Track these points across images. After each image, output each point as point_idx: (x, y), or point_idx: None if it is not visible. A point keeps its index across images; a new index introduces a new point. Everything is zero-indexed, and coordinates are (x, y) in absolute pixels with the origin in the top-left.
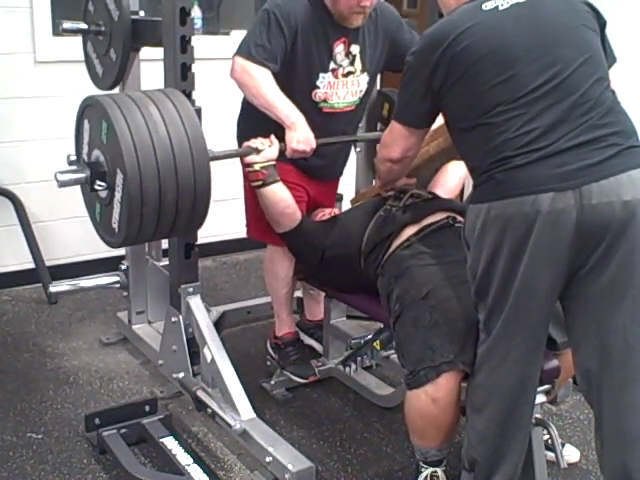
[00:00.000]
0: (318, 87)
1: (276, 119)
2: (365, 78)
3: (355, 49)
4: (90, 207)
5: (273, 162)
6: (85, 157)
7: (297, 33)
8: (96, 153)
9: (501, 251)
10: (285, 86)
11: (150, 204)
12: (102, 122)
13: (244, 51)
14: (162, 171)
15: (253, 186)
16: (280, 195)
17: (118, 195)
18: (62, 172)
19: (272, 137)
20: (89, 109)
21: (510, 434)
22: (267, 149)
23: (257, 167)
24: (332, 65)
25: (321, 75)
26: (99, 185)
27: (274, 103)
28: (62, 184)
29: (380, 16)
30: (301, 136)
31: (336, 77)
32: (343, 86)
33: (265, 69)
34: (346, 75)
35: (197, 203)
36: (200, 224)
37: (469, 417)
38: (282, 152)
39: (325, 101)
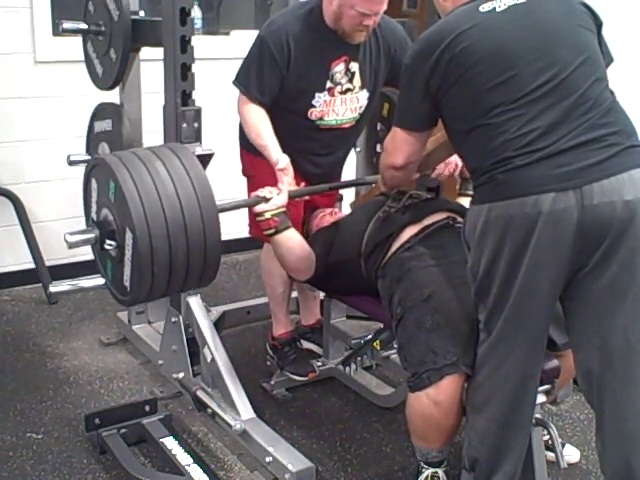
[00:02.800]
0: (314, 106)
1: (267, 158)
2: (364, 94)
3: (354, 66)
4: (102, 266)
5: (284, 209)
6: (94, 216)
7: (290, 57)
8: (105, 212)
9: (502, 251)
10: (281, 106)
11: (161, 263)
12: (110, 181)
13: (242, 84)
14: (171, 229)
15: (266, 235)
16: (294, 240)
17: (128, 254)
18: (72, 233)
19: (279, 184)
20: (97, 169)
21: (511, 434)
22: (276, 197)
23: (268, 215)
24: (329, 84)
25: (317, 95)
26: (109, 244)
27: (267, 146)
28: (71, 245)
29: (383, 32)
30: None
31: (332, 95)
32: (342, 103)
33: (260, 108)
34: (344, 92)
35: (208, 257)
36: (212, 278)
37: (469, 417)
38: (292, 198)
39: (321, 119)
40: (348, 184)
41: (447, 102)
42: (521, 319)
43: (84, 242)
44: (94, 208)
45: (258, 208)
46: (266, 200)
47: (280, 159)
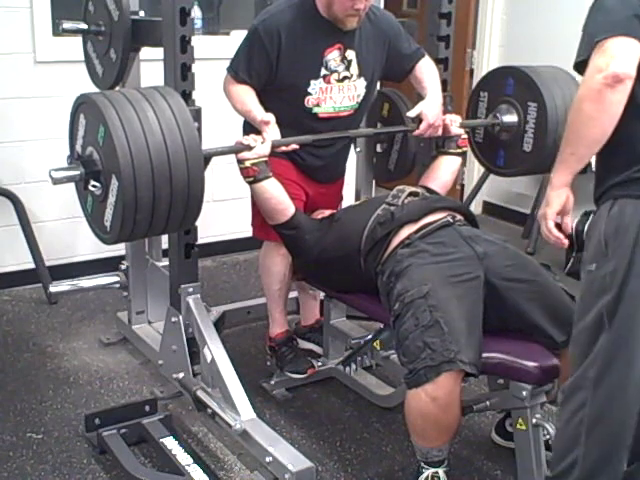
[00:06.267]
0: (310, 94)
1: (252, 122)
2: (362, 83)
3: (351, 54)
4: (83, 199)
5: (265, 158)
6: (79, 150)
7: (281, 46)
8: (90, 150)
9: None
10: (278, 96)
11: (144, 212)
12: (99, 125)
13: (232, 69)
14: (157, 178)
15: (245, 182)
16: (272, 192)
17: (112, 199)
18: (56, 170)
19: (264, 134)
20: (85, 106)
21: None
22: (259, 146)
23: (248, 163)
24: (323, 72)
25: (312, 82)
26: (93, 186)
27: (251, 110)
28: (56, 181)
29: (378, 20)
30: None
31: (328, 83)
32: (339, 91)
33: (246, 86)
34: (341, 80)
35: (190, 203)
36: (193, 222)
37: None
38: (275, 148)
39: (318, 106)
40: (332, 136)
41: None
42: None
43: (69, 179)
44: (80, 142)
45: (240, 155)
46: (249, 148)
47: (265, 115)
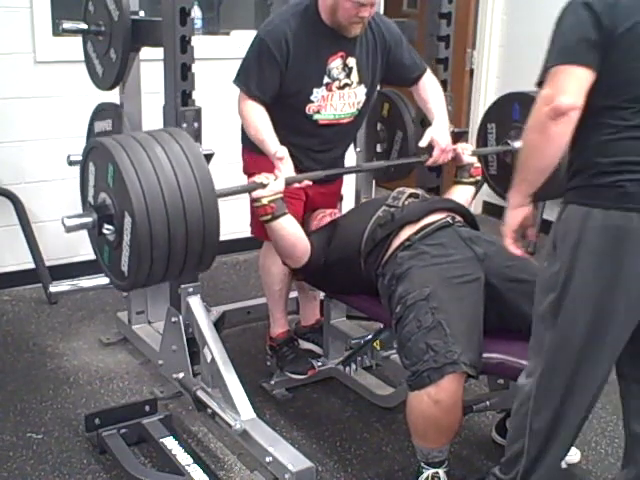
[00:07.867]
0: (312, 101)
1: (266, 153)
2: (362, 90)
3: (352, 61)
4: (99, 250)
5: (280, 195)
6: (91, 200)
7: (289, 55)
8: (102, 196)
9: (610, 267)
10: (280, 103)
11: (160, 248)
12: (108, 165)
13: (242, 83)
14: (171, 213)
15: (262, 221)
16: (289, 228)
17: (127, 238)
18: (69, 217)
19: (276, 171)
20: (94, 151)
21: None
22: (272, 183)
23: (265, 201)
24: (326, 80)
25: (315, 90)
26: (107, 229)
27: (265, 140)
28: (69, 229)
29: (379, 28)
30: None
31: (330, 90)
32: (340, 98)
33: (260, 105)
34: (342, 87)
35: (206, 242)
36: (210, 263)
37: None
38: (287, 185)
39: (318, 112)
40: (345, 172)
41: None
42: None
43: (81, 226)
44: (91, 192)
45: (255, 194)
46: (263, 186)
47: (279, 149)
